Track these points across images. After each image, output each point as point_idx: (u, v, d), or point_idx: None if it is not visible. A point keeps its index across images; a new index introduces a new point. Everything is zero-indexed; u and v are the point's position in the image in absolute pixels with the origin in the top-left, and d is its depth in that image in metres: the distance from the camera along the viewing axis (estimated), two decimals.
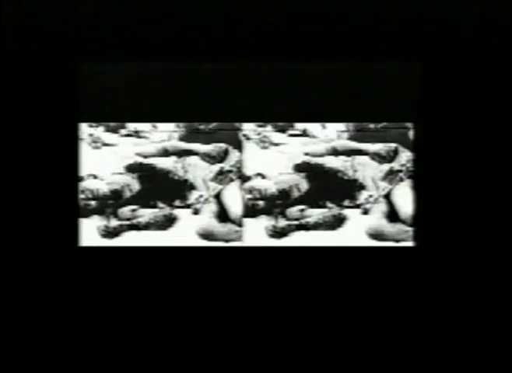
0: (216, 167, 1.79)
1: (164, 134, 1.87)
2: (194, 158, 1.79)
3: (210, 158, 1.77)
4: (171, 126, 1.93)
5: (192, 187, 1.81)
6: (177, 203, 1.85)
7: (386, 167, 1.82)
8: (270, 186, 1.72)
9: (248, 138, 1.93)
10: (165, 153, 1.80)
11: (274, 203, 1.76)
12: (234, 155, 1.79)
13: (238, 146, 2.02)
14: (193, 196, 1.81)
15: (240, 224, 1.80)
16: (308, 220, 1.79)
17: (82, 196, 1.90)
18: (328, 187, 1.85)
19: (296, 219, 1.78)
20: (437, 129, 2.68)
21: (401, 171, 1.80)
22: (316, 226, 1.80)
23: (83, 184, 1.88)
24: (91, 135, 1.97)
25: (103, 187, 1.85)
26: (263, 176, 1.78)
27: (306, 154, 1.84)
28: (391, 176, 1.78)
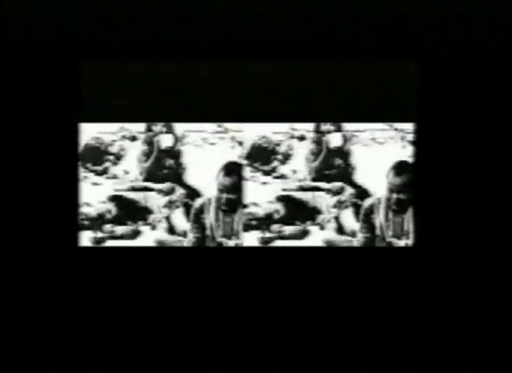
0: (167, 198, 2.74)
1: (134, 174, 2.74)
2: (152, 193, 2.74)
3: (162, 192, 2.74)
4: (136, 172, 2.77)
5: (151, 212, 2.74)
6: (141, 222, 2.74)
7: (335, 198, 2.73)
8: (260, 211, 2.73)
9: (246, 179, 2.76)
10: (133, 189, 2.73)
11: (262, 222, 2.74)
12: (179, 191, 2.74)
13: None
14: (151, 218, 2.74)
15: (184, 236, 2.73)
16: (285, 233, 2.73)
17: (79, 217, 2.74)
18: (298, 212, 2.73)
19: (277, 232, 2.74)
20: (437, 129, 2.68)
21: (345, 201, 2.72)
22: (290, 237, 2.73)
23: (80, 210, 2.72)
24: (86, 178, 2.75)
25: (92, 211, 2.72)
26: (256, 205, 2.73)
27: (284, 190, 2.73)
28: (339, 204, 2.72)
